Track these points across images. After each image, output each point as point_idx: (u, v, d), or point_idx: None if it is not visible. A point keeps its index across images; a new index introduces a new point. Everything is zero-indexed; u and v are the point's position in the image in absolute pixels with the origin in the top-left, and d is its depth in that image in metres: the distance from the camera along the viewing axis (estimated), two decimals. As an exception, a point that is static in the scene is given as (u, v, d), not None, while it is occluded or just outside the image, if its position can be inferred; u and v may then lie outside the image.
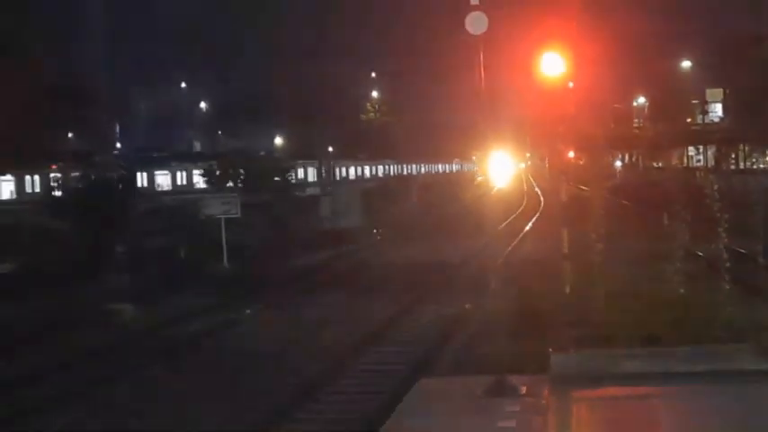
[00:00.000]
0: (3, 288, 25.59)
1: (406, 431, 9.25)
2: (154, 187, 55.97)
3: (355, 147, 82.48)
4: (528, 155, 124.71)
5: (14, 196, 45.21)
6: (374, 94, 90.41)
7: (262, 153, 58.18)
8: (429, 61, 65.28)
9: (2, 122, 40.57)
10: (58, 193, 35.69)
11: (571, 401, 9.96)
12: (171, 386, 17.12)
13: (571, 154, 36.18)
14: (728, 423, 9.03)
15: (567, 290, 17.20)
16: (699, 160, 68.81)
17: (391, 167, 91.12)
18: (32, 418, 15.17)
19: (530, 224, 47.54)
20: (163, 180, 59.98)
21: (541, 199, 66.50)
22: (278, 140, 76.43)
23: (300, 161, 64.51)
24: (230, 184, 46.90)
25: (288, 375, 17.14)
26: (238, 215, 33.45)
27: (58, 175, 40.64)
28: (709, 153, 62.89)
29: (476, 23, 12.17)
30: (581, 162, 37.51)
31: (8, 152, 44.49)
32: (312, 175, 67.00)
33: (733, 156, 59.81)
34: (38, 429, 14.81)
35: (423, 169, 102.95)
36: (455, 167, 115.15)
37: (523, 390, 10.12)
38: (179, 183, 59.94)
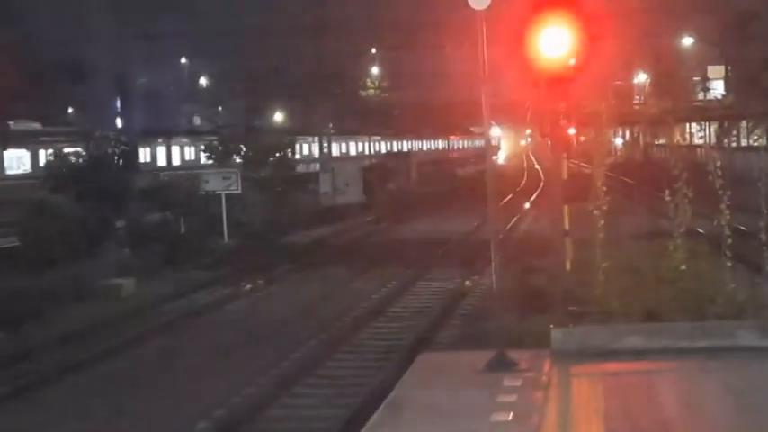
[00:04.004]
0: (6, 263, 25.60)
1: (408, 405, 9.27)
2: (155, 163, 55.70)
3: (356, 123, 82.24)
4: (529, 132, 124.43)
5: (30, 170, 44.83)
6: (374, 70, 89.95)
7: (263, 129, 57.95)
8: (431, 37, 64.88)
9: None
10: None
11: (571, 377, 9.99)
12: (172, 360, 17.19)
13: (572, 131, 36.04)
14: (729, 399, 9.06)
15: (568, 265, 17.17)
16: (701, 137, 68.64)
17: (392, 144, 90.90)
18: (27, 395, 15.14)
19: (530, 200, 47.65)
20: (165, 155, 59.66)
21: (542, 176, 66.48)
22: (278, 116, 76.19)
23: (302, 137, 64.30)
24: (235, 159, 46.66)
25: (288, 349, 17.19)
26: (239, 191, 33.32)
27: (71, 150, 40.37)
28: (710, 130, 62.72)
29: (478, -2, 12.14)
30: (582, 139, 37.45)
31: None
32: (316, 151, 66.79)
33: (735, 133, 59.69)
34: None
35: (424, 146, 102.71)
36: (457, 144, 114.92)
37: (524, 365, 10.13)
38: (187, 158, 59.72)
